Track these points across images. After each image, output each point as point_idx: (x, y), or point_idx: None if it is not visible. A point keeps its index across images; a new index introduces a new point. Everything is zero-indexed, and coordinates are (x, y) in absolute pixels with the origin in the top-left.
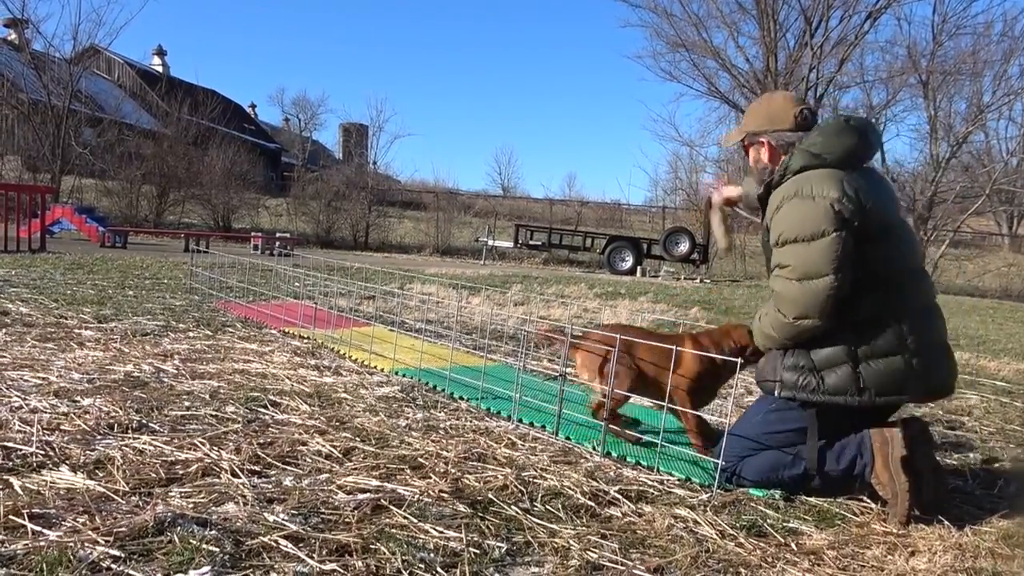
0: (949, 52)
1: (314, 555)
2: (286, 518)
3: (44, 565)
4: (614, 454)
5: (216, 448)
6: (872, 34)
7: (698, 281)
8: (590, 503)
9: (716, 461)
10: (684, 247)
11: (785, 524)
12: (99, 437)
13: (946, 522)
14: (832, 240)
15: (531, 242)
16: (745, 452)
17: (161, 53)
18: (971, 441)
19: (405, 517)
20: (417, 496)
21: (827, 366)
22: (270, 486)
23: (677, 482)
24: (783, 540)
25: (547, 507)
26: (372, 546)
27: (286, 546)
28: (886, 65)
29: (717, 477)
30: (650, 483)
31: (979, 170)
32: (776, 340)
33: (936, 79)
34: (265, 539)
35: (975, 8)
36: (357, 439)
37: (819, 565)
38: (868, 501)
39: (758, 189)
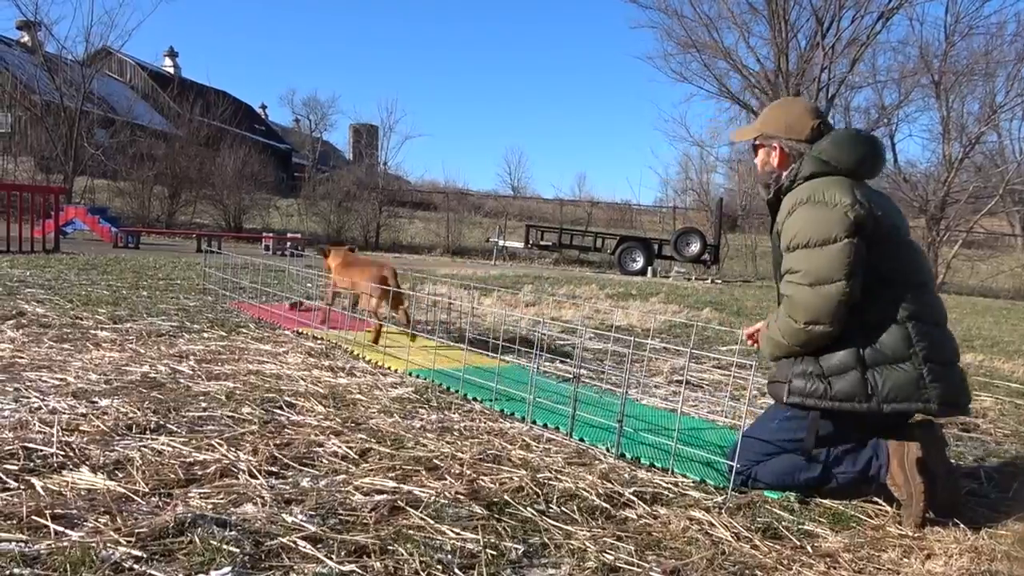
0: (962, 52)
1: (333, 556)
2: (304, 519)
3: (68, 565)
4: (628, 456)
5: (233, 449)
6: (884, 34)
7: (709, 282)
8: (605, 505)
9: (730, 463)
10: (695, 247)
11: (800, 526)
12: (118, 438)
13: (961, 525)
14: (844, 245)
15: (542, 242)
16: (760, 456)
17: (173, 55)
18: (986, 443)
19: (422, 518)
20: (433, 497)
21: (836, 372)
22: (288, 487)
23: (692, 484)
24: (798, 542)
25: (563, 509)
26: (390, 547)
27: (305, 547)
28: (898, 65)
29: (732, 479)
30: (665, 485)
31: (992, 170)
32: (786, 347)
33: (949, 79)
34: (284, 540)
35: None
36: (373, 440)
37: (835, 568)
38: (883, 504)
39: (767, 194)
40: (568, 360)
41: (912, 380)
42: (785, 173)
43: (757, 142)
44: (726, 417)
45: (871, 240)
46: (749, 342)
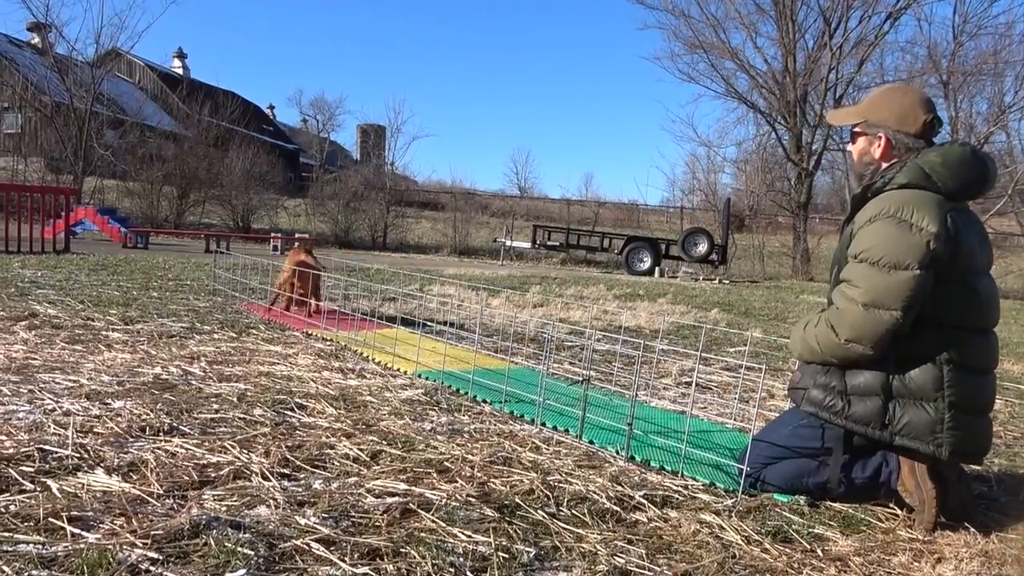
0: (970, 52)
1: (346, 558)
2: (317, 521)
3: (85, 567)
4: (638, 458)
5: (246, 451)
6: (892, 34)
7: (717, 282)
8: (616, 508)
9: (740, 466)
10: (702, 248)
11: (810, 530)
12: (132, 440)
13: (972, 529)
14: (912, 277)
15: (549, 243)
16: (770, 460)
17: (181, 56)
18: (996, 446)
19: (434, 521)
20: (445, 500)
21: (858, 393)
22: (300, 489)
23: (701, 487)
24: (809, 546)
25: (573, 512)
26: (402, 550)
27: (318, 549)
28: (906, 66)
29: (742, 482)
30: (675, 488)
31: (1001, 170)
32: (819, 356)
33: (957, 79)
34: (298, 542)
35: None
36: (384, 442)
37: (845, 571)
38: (894, 507)
39: (858, 186)
40: (577, 362)
41: (929, 422)
42: (885, 166)
43: (858, 128)
44: (735, 420)
45: (941, 277)
46: None
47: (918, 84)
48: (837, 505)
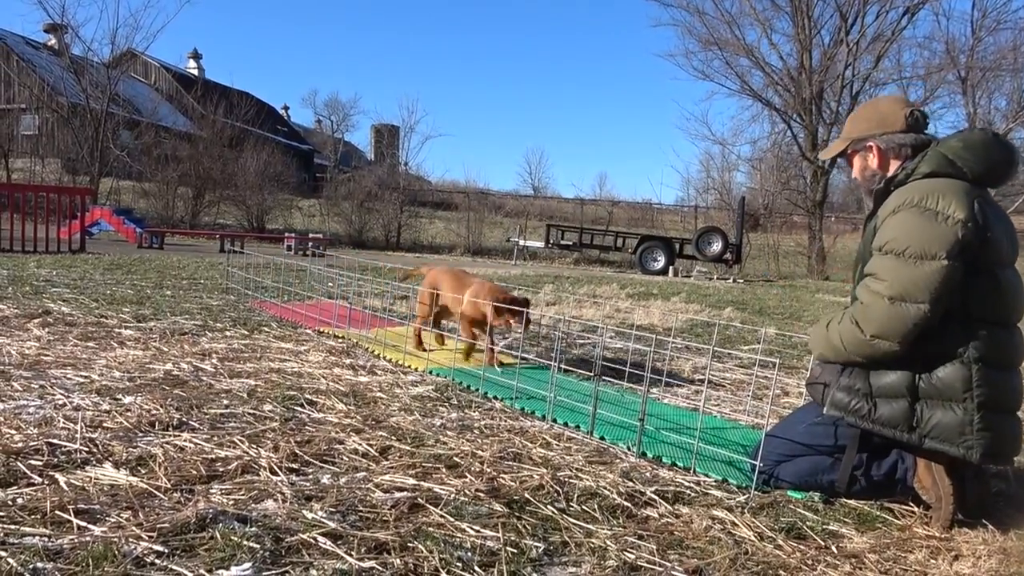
0: (989, 48)
1: (353, 553)
2: (324, 516)
3: (90, 560)
4: (649, 455)
5: (255, 446)
6: (910, 30)
7: (731, 281)
8: (626, 504)
9: (753, 463)
10: (717, 247)
11: (825, 526)
12: (141, 434)
13: (990, 526)
14: (941, 268)
15: (562, 242)
16: (783, 458)
17: (196, 56)
18: None
19: (442, 516)
20: (453, 495)
21: (884, 395)
22: (308, 484)
23: (714, 483)
24: (823, 543)
25: (583, 507)
26: (410, 544)
27: (325, 543)
28: (924, 61)
29: (755, 479)
30: (686, 484)
31: (1019, 167)
32: (844, 355)
33: (975, 75)
34: (304, 536)
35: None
36: (393, 438)
37: (860, 568)
38: (910, 504)
39: (870, 200)
40: (589, 359)
41: (958, 424)
42: (899, 164)
43: (850, 151)
44: (748, 416)
45: (970, 267)
46: None
47: (935, 79)
48: (852, 502)
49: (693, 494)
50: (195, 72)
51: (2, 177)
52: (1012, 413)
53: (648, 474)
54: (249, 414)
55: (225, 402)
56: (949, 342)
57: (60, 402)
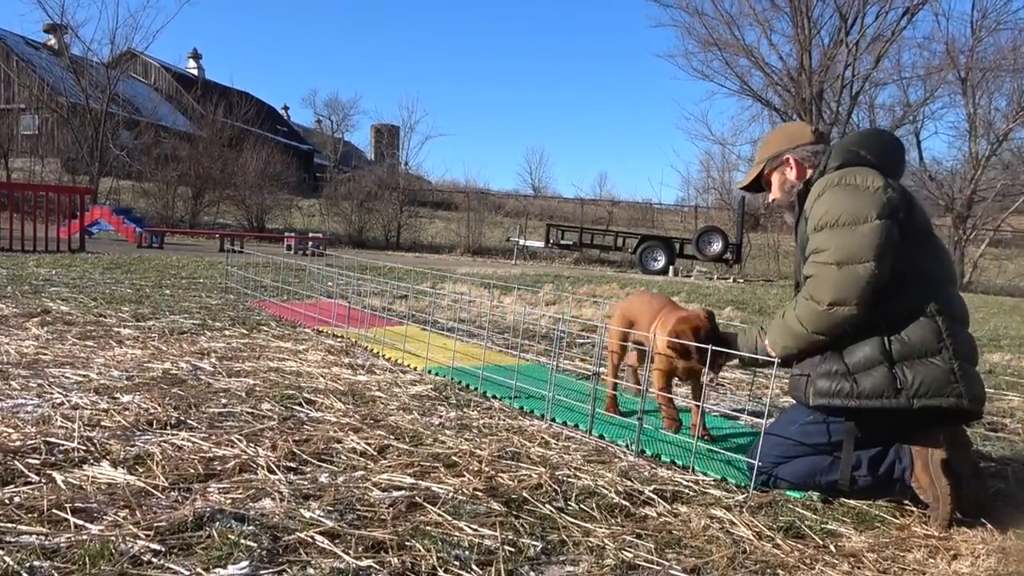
0: (989, 48)
1: (350, 551)
2: (322, 514)
3: (87, 558)
4: (648, 453)
5: (253, 445)
6: (909, 30)
7: (731, 281)
8: (625, 503)
9: (751, 462)
10: (717, 246)
11: (823, 526)
12: (139, 433)
13: (989, 525)
14: (877, 226)
15: (562, 242)
16: (781, 457)
17: (196, 56)
18: (1013, 443)
19: (440, 515)
20: (451, 494)
21: (862, 368)
22: (306, 483)
23: (712, 482)
24: (821, 542)
25: (581, 506)
26: (407, 543)
27: (323, 542)
28: (924, 62)
29: (753, 478)
30: (685, 483)
31: (1020, 168)
32: (805, 336)
33: (975, 75)
34: (302, 535)
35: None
36: (391, 437)
37: (859, 568)
38: (908, 504)
39: (792, 215)
40: (588, 358)
41: (944, 374)
42: (810, 172)
43: (767, 171)
44: (747, 415)
45: (904, 228)
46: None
47: (935, 80)
48: (851, 501)
49: (692, 493)
50: (195, 72)
51: (2, 177)
52: (975, 365)
53: (647, 473)
54: (247, 413)
55: (223, 401)
56: (910, 301)
57: (58, 401)
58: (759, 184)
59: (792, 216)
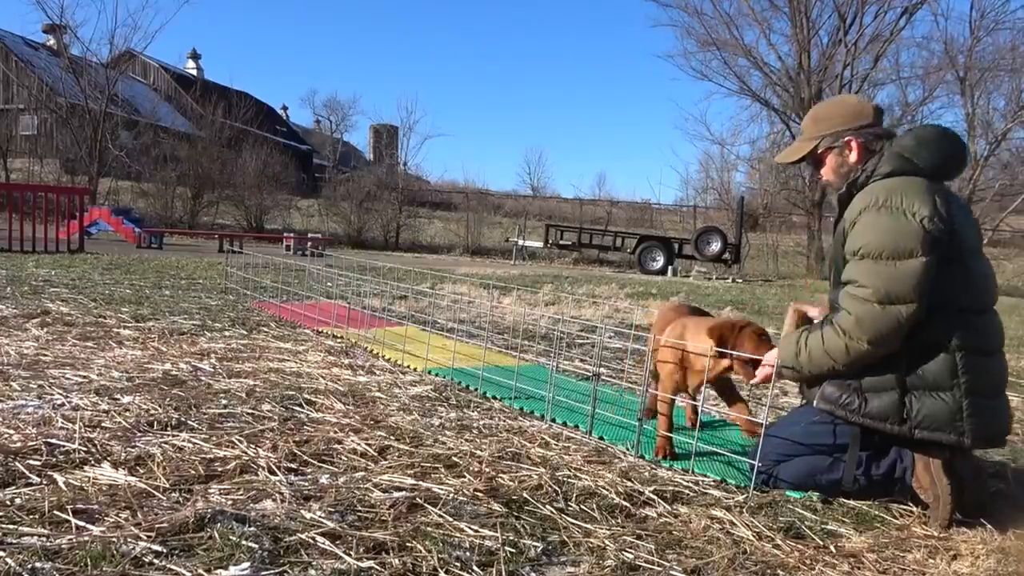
0: (987, 48)
1: (351, 552)
2: (323, 515)
3: (88, 559)
4: (647, 458)
5: (253, 446)
6: (908, 30)
7: (730, 281)
8: (625, 503)
9: (752, 462)
10: (716, 247)
11: (823, 526)
12: (139, 434)
13: (988, 526)
14: (921, 265)
15: (561, 242)
16: (782, 457)
17: (195, 56)
18: (1012, 443)
19: (440, 516)
20: (452, 495)
21: (873, 389)
22: (307, 484)
23: (712, 483)
24: (821, 542)
25: (582, 507)
26: (408, 544)
27: (323, 543)
28: (922, 61)
29: (753, 478)
30: (685, 484)
31: (1019, 167)
32: (830, 368)
33: (974, 75)
34: (303, 536)
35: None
36: (392, 438)
37: (859, 568)
38: (908, 504)
39: (839, 189)
40: (587, 359)
41: (949, 411)
42: (863, 167)
43: (821, 150)
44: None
45: (942, 259)
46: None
47: (934, 79)
48: (851, 501)
49: (692, 494)
50: (194, 72)
51: (1, 177)
52: (999, 395)
53: (647, 474)
54: (248, 414)
55: (224, 402)
56: (931, 333)
57: (58, 402)
58: (804, 159)
59: (837, 201)
